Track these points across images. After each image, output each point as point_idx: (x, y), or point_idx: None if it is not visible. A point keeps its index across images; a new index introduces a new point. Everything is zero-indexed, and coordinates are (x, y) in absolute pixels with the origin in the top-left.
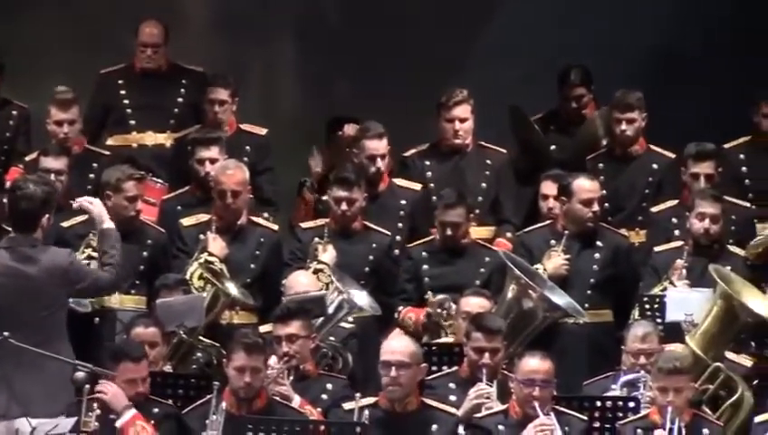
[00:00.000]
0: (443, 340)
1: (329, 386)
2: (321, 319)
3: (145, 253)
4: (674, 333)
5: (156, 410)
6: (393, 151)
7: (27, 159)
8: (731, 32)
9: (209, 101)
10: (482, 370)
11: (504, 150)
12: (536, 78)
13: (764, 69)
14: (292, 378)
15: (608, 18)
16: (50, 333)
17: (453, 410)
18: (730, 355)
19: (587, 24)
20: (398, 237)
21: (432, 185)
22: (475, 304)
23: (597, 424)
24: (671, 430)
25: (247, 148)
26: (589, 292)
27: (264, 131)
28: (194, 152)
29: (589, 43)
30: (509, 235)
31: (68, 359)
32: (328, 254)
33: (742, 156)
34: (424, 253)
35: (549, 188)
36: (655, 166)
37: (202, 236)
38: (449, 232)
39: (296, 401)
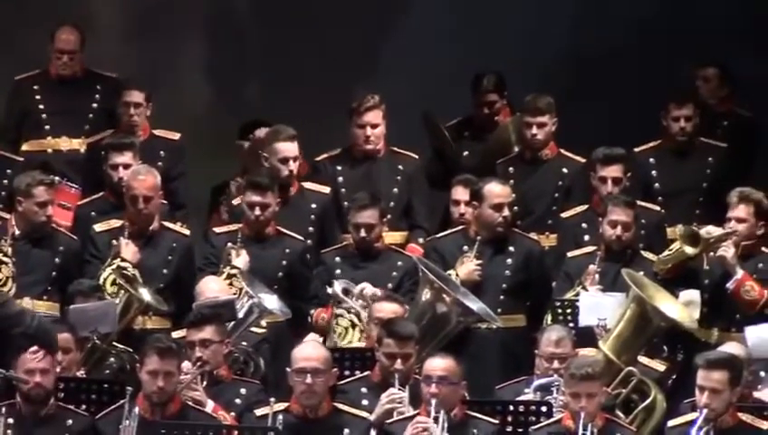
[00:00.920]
0: (355, 344)
1: (242, 391)
2: (233, 323)
3: (57, 259)
4: (587, 337)
5: (70, 421)
6: (304, 154)
7: None
8: (639, 35)
9: (124, 103)
10: (394, 375)
11: (416, 156)
12: (450, 82)
13: (674, 72)
14: (205, 383)
15: (521, 23)
16: None
17: (365, 414)
18: (643, 359)
19: (500, 28)
20: (308, 241)
21: (343, 190)
22: (387, 309)
23: (509, 428)
24: None
25: (161, 153)
26: (501, 297)
27: (177, 136)
28: (107, 158)
29: (504, 47)
30: (421, 240)
31: None
32: (241, 259)
33: (652, 160)
34: (337, 258)
35: (460, 193)
36: (565, 170)
37: (114, 242)
38: (363, 233)
39: (210, 405)
